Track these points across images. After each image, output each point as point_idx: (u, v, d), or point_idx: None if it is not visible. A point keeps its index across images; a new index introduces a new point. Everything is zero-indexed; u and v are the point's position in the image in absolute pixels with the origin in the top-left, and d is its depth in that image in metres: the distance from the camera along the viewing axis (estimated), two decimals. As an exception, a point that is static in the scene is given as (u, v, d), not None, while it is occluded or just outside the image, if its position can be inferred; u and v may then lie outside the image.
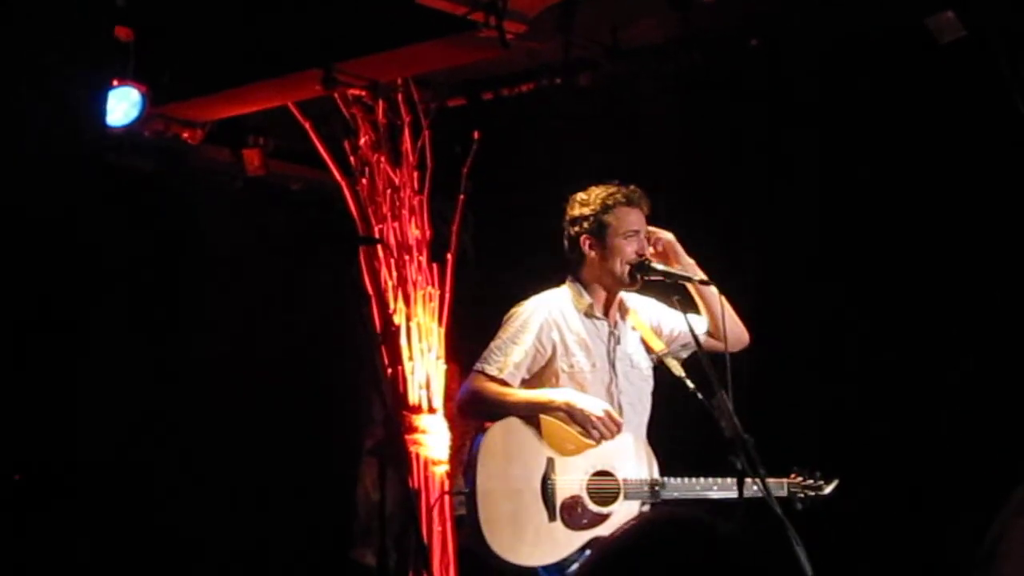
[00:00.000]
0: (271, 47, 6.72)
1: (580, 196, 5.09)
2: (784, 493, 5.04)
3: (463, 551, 7.15)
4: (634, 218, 5.03)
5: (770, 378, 6.37)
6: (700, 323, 5.17)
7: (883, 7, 6.16)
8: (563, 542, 4.83)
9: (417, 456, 7.24)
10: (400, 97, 7.39)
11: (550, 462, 4.85)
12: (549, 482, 4.83)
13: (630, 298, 5.22)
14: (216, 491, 7.57)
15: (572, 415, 4.86)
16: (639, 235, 5.01)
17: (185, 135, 7.52)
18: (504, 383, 4.93)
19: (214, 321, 7.74)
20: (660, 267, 4.97)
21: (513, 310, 5.11)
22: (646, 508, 4.99)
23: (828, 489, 5.16)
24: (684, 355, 5.19)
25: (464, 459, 5.05)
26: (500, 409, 4.91)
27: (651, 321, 5.22)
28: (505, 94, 7.51)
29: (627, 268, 4.98)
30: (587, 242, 5.03)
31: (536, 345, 4.97)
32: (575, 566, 4.83)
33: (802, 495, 5.10)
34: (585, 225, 5.03)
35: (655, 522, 1.79)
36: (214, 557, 7.64)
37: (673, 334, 5.19)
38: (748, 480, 4.68)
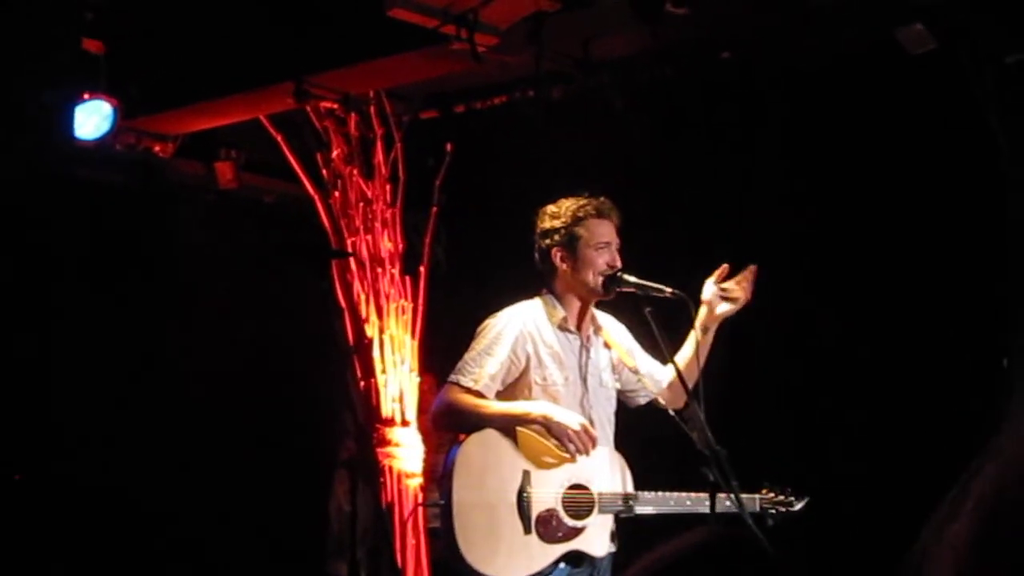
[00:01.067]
0: (243, 60, 6.71)
1: (550, 209, 5.08)
2: (756, 509, 5.03)
3: (437, 564, 7.14)
4: (605, 229, 5.02)
5: (742, 392, 6.38)
6: (665, 374, 5.19)
7: (854, 20, 6.18)
8: (538, 555, 4.81)
9: (390, 469, 7.24)
10: (372, 110, 7.40)
11: (526, 475, 4.83)
12: (525, 495, 4.81)
13: (606, 320, 5.22)
14: (189, 504, 7.54)
15: (549, 428, 4.84)
16: (610, 246, 5.00)
17: (157, 148, 7.51)
18: (479, 395, 4.91)
19: (186, 334, 7.72)
20: (632, 279, 4.96)
21: (487, 322, 5.09)
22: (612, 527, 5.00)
23: (799, 506, 5.15)
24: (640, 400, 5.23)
25: (439, 471, 5.03)
26: (476, 421, 4.89)
27: (625, 345, 5.22)
28: (477, 107, 7.52)
29: (600, 279, 4.97)
30: (558, 254, 5.02)
31: (511, 357, 4.95)
32: None
33: (773, 511, 5.09)
34: (556, 238, 5.02)
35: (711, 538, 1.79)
36: (186, 569, 7.61)
37: (641, 370, 5.19)
38: (722, 495, 4.69)
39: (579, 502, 4.87)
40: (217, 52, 6.74)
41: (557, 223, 5.02)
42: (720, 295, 5.08)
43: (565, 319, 5.03)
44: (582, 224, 4.99)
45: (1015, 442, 1.49)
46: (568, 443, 4.82)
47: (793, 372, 6.85)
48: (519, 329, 4.97)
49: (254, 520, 7.77)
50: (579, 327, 5.08)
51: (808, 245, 6.84)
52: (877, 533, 6.41)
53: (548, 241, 5.03)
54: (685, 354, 5.11)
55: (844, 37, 6.35)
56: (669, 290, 4.91)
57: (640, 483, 5.01)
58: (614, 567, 5.03)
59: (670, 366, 5.07)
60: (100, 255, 7.47)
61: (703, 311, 5.06)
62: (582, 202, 5.03)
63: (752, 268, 5.14)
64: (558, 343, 5.01)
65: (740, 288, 5.09)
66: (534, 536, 4.80)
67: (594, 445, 4.87)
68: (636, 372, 5.16)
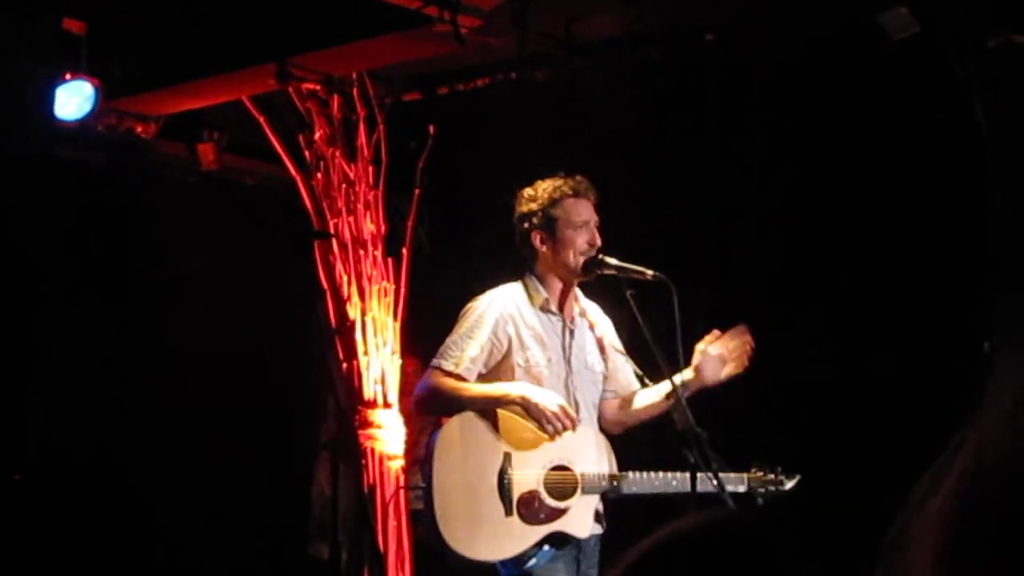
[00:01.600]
0: (225, 41, 6.69)
1: (527, 192, 5.07)
2: (744, 488, 5.03)
3: (419, 546, 7.14)
4: (583, 209, 5.01)
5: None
6: (631, 386, 5.20)
7: (837, 3, 6.18)
8: (520, 537, 4.82)
9: (372, 451, 7.23)
10: (355, 91, 7.37)
11: (507, 456, 4.84)
12: (506, 477, 4.82)
13: (593, 309, 5.22)
14: (171, 488, 7.54)
15: (527, 409, 4.85)
16: (589, 225, 5.00)
17: (139, 129, 7.47)
18: (460, 378, 4.92)
19: (168, 317, 7.71)
20: (614, 261, 4.96)
21: (469, 305, 5.10)
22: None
23: (789, 484, 5.15)
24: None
25: (421, 455, 5.04)
26: (457, 404, 4.90)
27: (607, 335, 5.22)
28: (460, 89, 7.51)
29: (580, 259, 4.97)
30: (537, 237, 5.01)
31: (492, 339, 4.96)
32: (533, 560, 4.83)
33: (763, 490, 5.09)
34: (534, 220, 5.01)
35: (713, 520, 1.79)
36: (171, 554, 7.60)
37: (618, 363, 5.21)
38: (703, 475, 4.70)
39: (562, 483, 4.88)
40: (199, 33, 6.71)
41: (534, 206, 5.01)
42: (718, 358, 5.01)
43: (547, 300, 5.03)
44: (559, 205, 4.99)
45: (995, 417, 1.50)
46: (546, 424, 4.82)
47: (781, 357, 6.85)
48: (500, 311, 4.98)
49: (236, 503, 7.77)
50: (562, 309, 5.08)
51: (792, 230, 6.85)
52: (862, 516, 6.43)
53: (527, 224, 5.03)
54: (649, 398, 5.11)
55: (827, 20, 6.34)
56: (651, 273, 4.91)
57: (624, 464, 5.02)
58: (602, 549, 5.04)
59: (642, 392, 5.09)
60: (82, 237, 7.45)
61: (687, 374, 4.98)
62: (558, 183, 5.02)
63: (743, 331, 5.08)
64: (540, 325, 5.01)
65: (737, 351, 5.03)
66: (515, 518, 4.80)
67: (573, 426, 4.87)
68: (623, 355, 5.16)
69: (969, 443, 1.49)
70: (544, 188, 5.02)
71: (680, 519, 1.72)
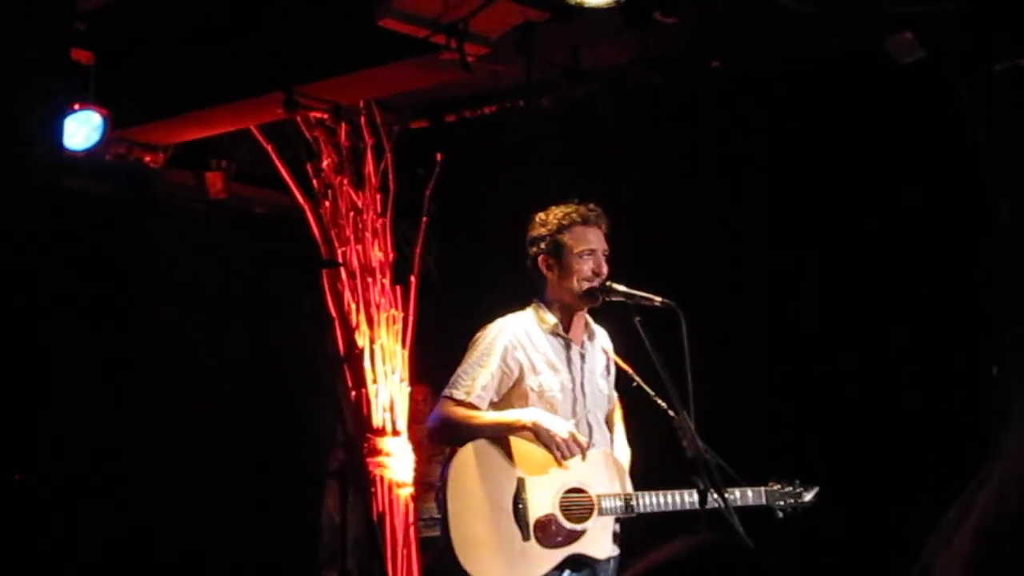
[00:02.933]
0: (233, 70, 6.72)
1: (539, 216, 5.10)
2: (764, 502, 5.03)
3: (428, 574, 7.13)
4: (591, 237, 5.02)
5: (735, 392, 6.40)
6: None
7: (842, 30, 6.20)
8: (539, 561, 4.81)
9: (381, 479, 7.23)
10: (363, 120, 7.41)
11: (521, 482, 4.84)
12: (520, 502, 4.82)
13: (600, 332, 5.23)
14: (178, 515, 7.53)
15: (538, 435, 4.86)
16: (596, 253, 5.00)
17: (147, 159, 7.51)
18: (472, 406, 4.92)
19: (176, 345, 7.71)
20: (622, 288, 4.96)
21: (478, 333, 5.10)
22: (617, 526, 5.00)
23: (808, 496, 5.15)
24: None
25: (434, 483, 5.04)
26: (469, 432, 4.90)
27: (610, 359, 5.25)
28: (468, 116, 7.53)
29: (584, 286, 4.98)
30: (545, 263, 5.03)
31: (502, 367, 4.96)
32: None
33: (782, 503, 5.09)
34: (542, 245, 5.03)
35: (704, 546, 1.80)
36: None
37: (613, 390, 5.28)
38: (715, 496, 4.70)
39: (578, 505, 4.88)
40: (207, 62, 6.74)
41: (544, 231, 5.03)
42: None
43: (557, 326, 5.04)
44: (567, 232, 5.00)
45: (1016, 453, 1.50)
46: (555, 450, 4.82)
47: (786, 376, 6.85)
48: (509, 339, 4.98)
49: (245, 531, 7.76)
50: (572, 333, 5.09)
51: (797, 252, 6.85)
52: (868, 537, 6.42)
53: (535, 249, 5.05)
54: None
55: (833, 47, 6.36)
56: (658, 299, 4.91)
57: (638, 484, 5.02)
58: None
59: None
60: (90, 266, 7.45)
61: None
62: (568, 209, 5.04)
63: None
64: (551, 350, 5.02)
65: None
66: (533, 542, 4.80)
67: (583, 452, 4.88)
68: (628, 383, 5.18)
69: (993, 478, 1.49)
70: (555, 214, 5.04)
71: (675, 542, 1.73)
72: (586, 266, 4.97)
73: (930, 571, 1.51)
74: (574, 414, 5.00)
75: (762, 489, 5.06)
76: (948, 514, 1.54)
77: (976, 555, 1.44)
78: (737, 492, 4.90)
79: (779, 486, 5.11)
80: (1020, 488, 1.45)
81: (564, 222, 5.00)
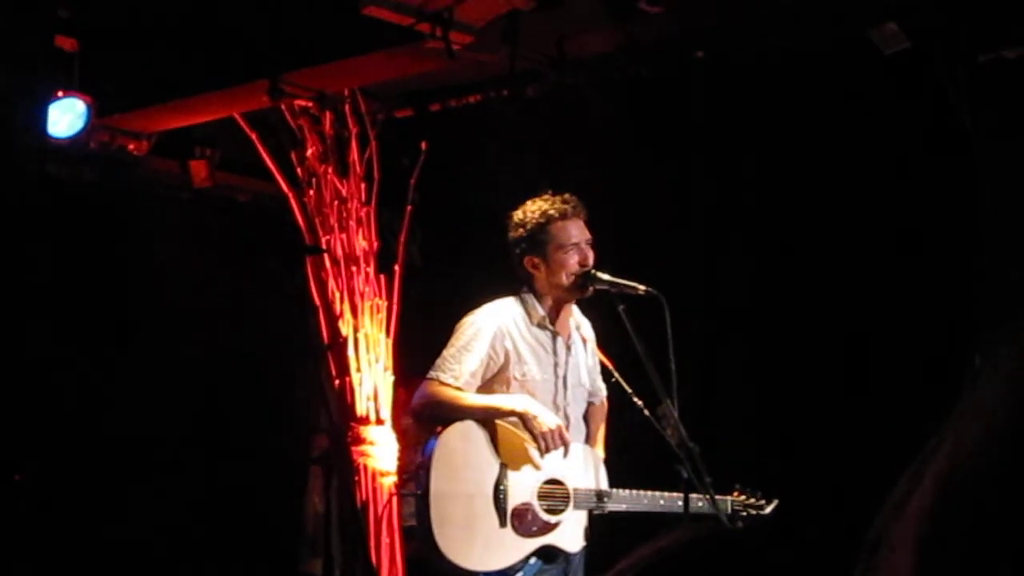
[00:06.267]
0: (218, 58, 6.70)
1: (516, 216, 5.06)
2: (728, 511, 5.03)
3: (411, 562, 7.14)
4: (573, 230, 5.01)
5: (715, 391, 6.41)
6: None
7: (827, 19, 6.20)
8: (512, 549, 4.82)
9: (365, 467, 7.23)
10: (347, 108, 7.39)
11: (503, 468, 4.84)
12: (502, 488, 4.82)
13: (585, 323, 5.24)
14: (162, 502, 7.53)
15: (525, 423, 4.86)
16: (580, 245, 5.00)
17: (131, 146, 7.48)
18: (459, 391, 4.92)
19: (160, 332, 7.70)
20: (606, 277, 4.97)
21: (465, 318, 5.09)
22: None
23: (768, 509, 5.16)
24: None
25: (417, 461, 5.03)
26: (455, 413, 4.89)
27: (593, 350, 5.26)
28: (452, 105, 7.52)
29: (572, 279, 4.98)
30: (531, 262, 5.01)
31: (490, 353, 4.96)
32: (520, 574, 4.82)
33: (744, 513, 5.10)
34: (525, 245, 5.02)
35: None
36: (161, 571, 7.59)
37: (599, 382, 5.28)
38: (695, 496, 4.72)
39: (555, 496, 4.88)
40: (191, 50, 6.72)
41: (523, 231, 5.01)
42: None
43: (544, 318, 5.04)
44: (547, 229, 4.98)
45: (968, 419, 1.51)
46: (539, 441, 4.83)
47: (766, 370, 6.87)
48: (498, 325, 4.98)
49: (228, 519, 7.76)
50: (559, 325, 5.09)
51: (782, 242, 6.87)
52: (848, 527, 6.43)
53: (518, 250, 5.03)
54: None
55: (818, 37, 6.36)
56: (643, 288, 4.91)
57: (614, 482, 5.03)
58: (587, 565, 5.05)
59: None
60: (74, 253, 7.44)
61: None
62: (544, 206, 5.01)
63: None
64: (538, 341, 5.02)
65: None
66: (509, 529, 4.80)
67: (566, 447, 4.89)
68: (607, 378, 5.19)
69: (944, 446, 1.50)
70: (531, 212, 5.01)
71: (663, 535, 1.74)
72: (572, 259, 4.96)
73: (885, 536, 1.52)
74: (554, 406, 5.00)
75: (728, 499, 5.07)
76: (899, 481, 1.55)
77: (930, 516, 1.45)
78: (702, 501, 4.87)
79: (744, 496, 5.12)
80: (972, 446, 1.47)
81: (542, 220, 4.98)
